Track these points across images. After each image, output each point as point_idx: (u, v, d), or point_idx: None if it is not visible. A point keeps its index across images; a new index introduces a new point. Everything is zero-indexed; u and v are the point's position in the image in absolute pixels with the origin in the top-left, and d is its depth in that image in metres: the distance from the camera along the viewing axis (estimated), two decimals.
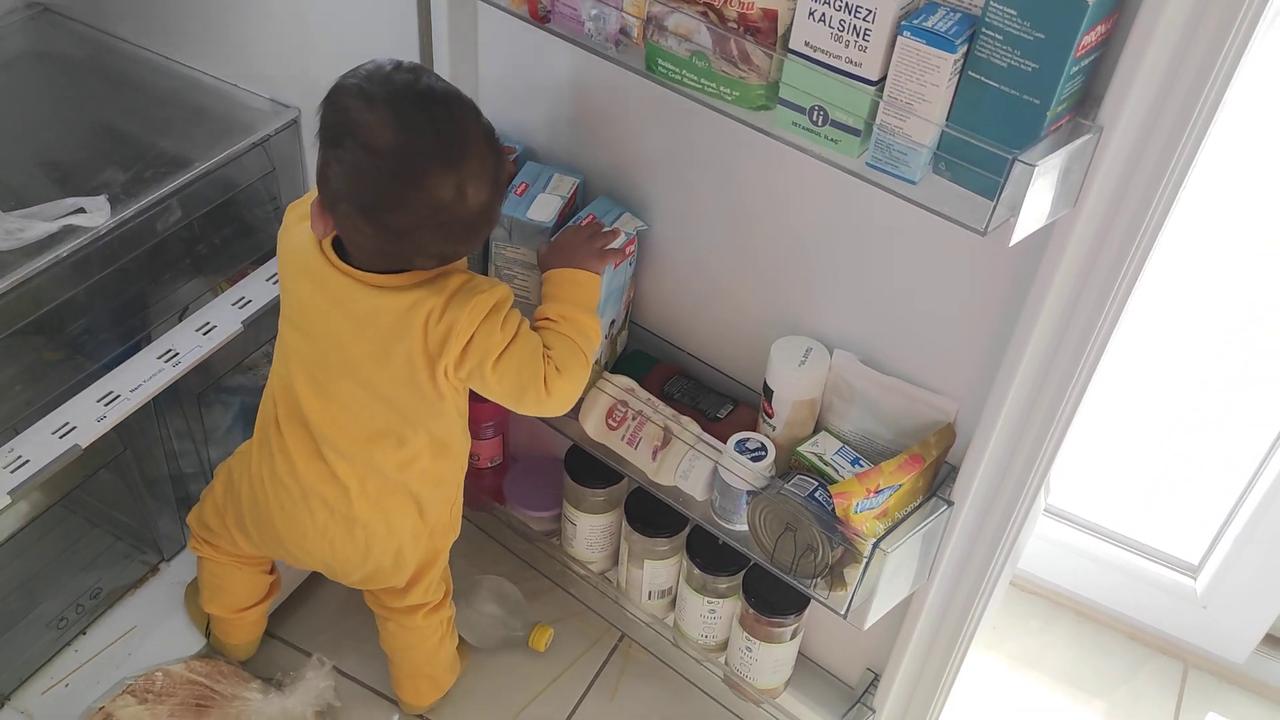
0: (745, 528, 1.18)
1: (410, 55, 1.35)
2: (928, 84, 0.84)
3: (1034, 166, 0.80)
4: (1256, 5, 0.77)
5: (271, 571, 1.44)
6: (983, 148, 0.83)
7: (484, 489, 1.57)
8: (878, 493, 1.08)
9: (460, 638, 1.52)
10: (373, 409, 1.15)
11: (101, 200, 1.25)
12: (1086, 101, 0.86)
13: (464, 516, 1.34)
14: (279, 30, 1.30)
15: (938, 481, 1.15)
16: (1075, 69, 0.81)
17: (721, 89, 0.95)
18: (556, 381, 1.10)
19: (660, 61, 0.98)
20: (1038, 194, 0.83)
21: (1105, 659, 1.67)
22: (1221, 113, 0.84)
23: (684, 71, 0.97)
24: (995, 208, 0.83)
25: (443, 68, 1.29)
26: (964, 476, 1.10)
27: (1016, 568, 1.69)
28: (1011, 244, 0.85)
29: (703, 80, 0.96)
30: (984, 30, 0.81)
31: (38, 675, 1.39)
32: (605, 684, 1.54)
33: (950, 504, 1.12)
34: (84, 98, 1.46)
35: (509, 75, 1.29)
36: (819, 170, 0.94)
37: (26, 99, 1.47)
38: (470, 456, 1.53)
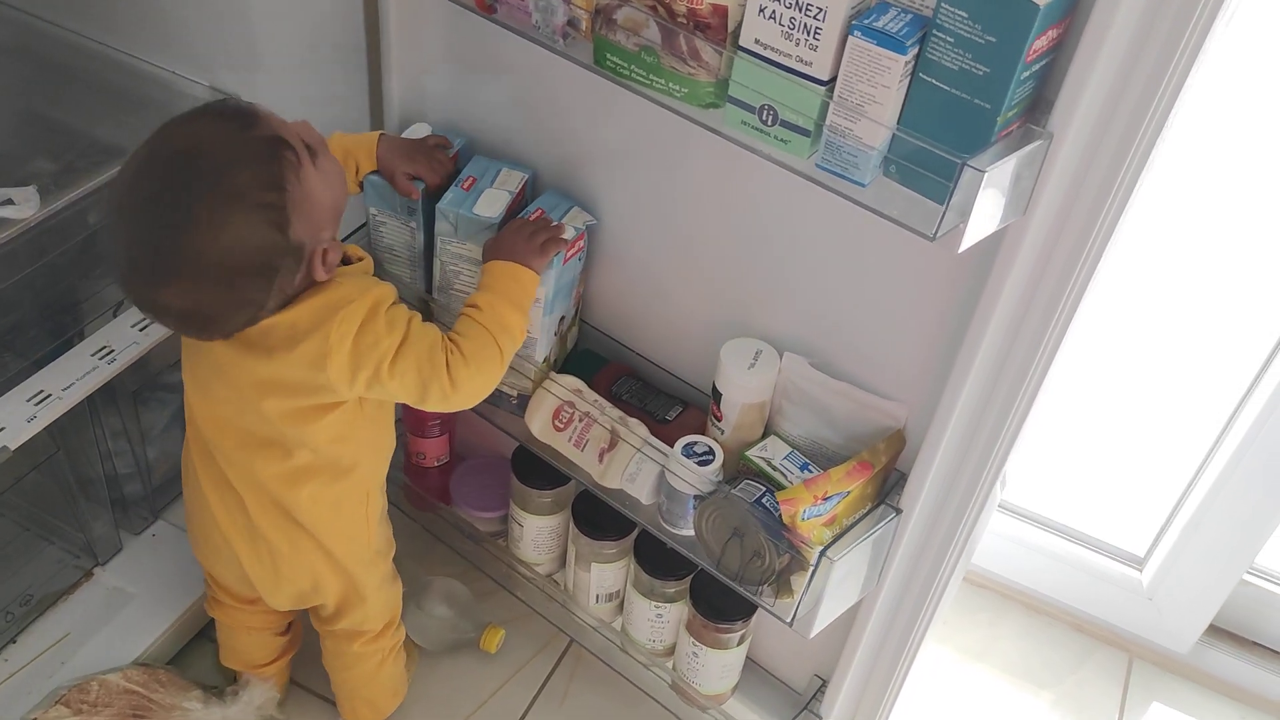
0: (692, 533, 1.16)
1: (356, 45, 1.33)
2: (878, 85, 0.82)
3: (983, 173, 0.79)
4: (1210, 10, 0.76)
5: (285, 633, 1.39)
6: (932, 152, 0.81)
7: (430, 489, 1.54)
8: (825, 499, 1.07)
9: (411, 641, 1.49)
10: (249, 416, 1.09)
11: (31, 191, 1.20)
12: (1038, 107, 0.84)
13: (410, 517, 1.31)
14: (218, 16, 1.26)
15: (887, 488, 1.14)
16: (1026, 74, 0.79)
17: (670, 85, 0.93)
18: (462, 372, 1.05)
19: (609, 56, 0.96)
20: (987, 200, 0.81)
21: (1053, 651, 1.70)
22: (1175, 118, 0.83)
23: (632, 67, 0.94)
24: (944, 213, 0.82)
25: (390, 58, 1.26)
26: (912, 484, 1.09)
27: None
28: (960, 251, 0.84)
29: (651, 76, 0.94)
30: (935, 32, 0.80)
31: None
32: (555, 688, 1.52)
33: (899, 511, 1.11)
34: (12, 84, 1.39)
35: (459, 66, 1.26)
36: (770, 170, 0.92)
37: None
38: (416, 455, 1.52)
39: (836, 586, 1.10)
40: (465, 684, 1.51)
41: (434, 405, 1.06)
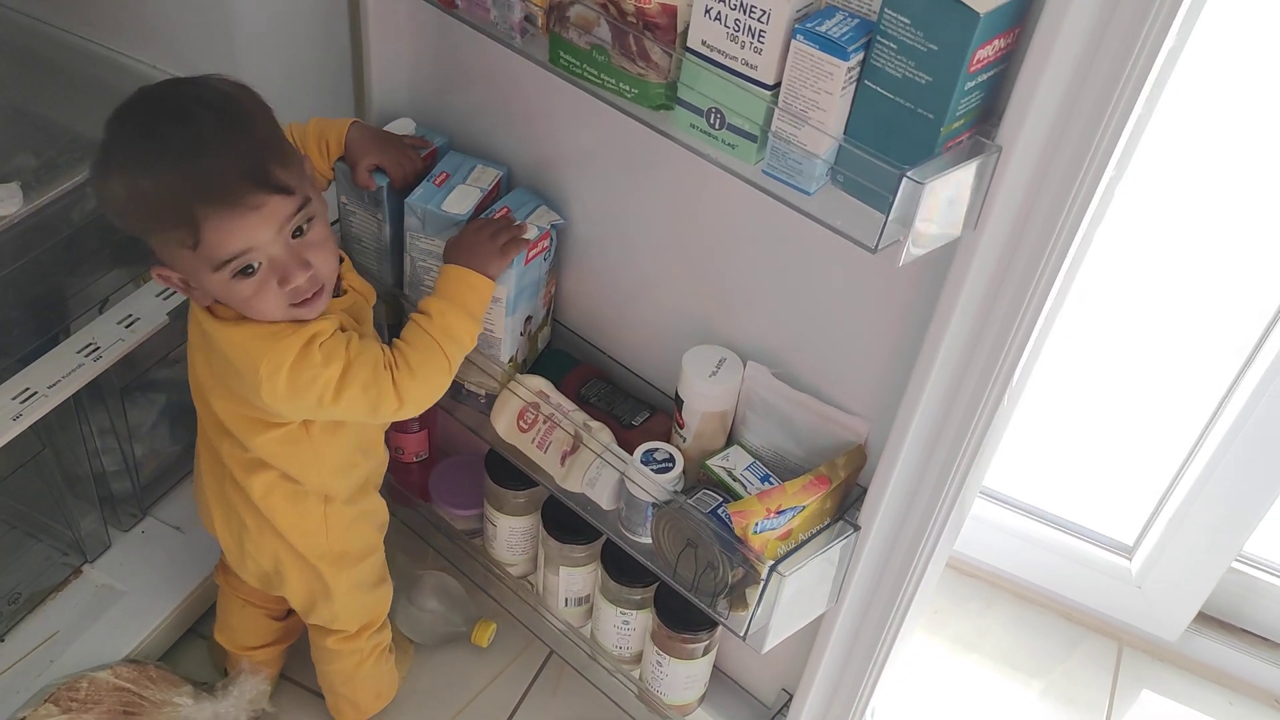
0: (650, 541, 1.15)
1: (339, 39, 1.32)
2: (821, 91, 0.80)
3: (923, 184, 0.76)
4: (1162, 22, 0.73)
5: (283, 619, 1.39)
6: (874, 162, 0.79)
7: (409, 484, 1.54)
8: (779, 513, 1.04)
9: (404, 638, 1.49)
10: (213, 400, 1.10)
11: (14, 187, 1.19)
12: (989, 119, 0.81)
13: (392, 513, 1.30)
14: (200, 11, 1.26)
15: (848, 504, 1.11)
16: (971, 84, 0.76)
17: (621, 85, 0.91)
18: (409, 385, 1.04)
19: (562, 54, 0.94)
20: (929, 213, 0.79)
21: (1042, 640, 1.69)
22: (1130, 129, 0.80)
23: (585, 66, 0.93)
24: (885, 225, 0.79)
25: (371, 51, 1.25)
26: (870, 501, 1.06)
27: (957, 551, 1.71)
28: (900, 264, 0.81)
29: (603, 75, 0.92)
30: (879, 38, 0.77)
31: None
32: (547, 681, 1.51)
33: (857, 528, 1.08)
34: None
35: (438, 62, 1.25)
36: (731, 177, 0.89)
37: None
38: (395, 450, 1.51)
39: (791, 602, 1.07)
40: (457, 678, 1.51)
41: (385, 419, 1.07)
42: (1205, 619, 1.67)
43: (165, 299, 1.31)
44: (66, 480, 1.39)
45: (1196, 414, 1.53)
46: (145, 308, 1.30)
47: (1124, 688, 1.64)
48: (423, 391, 1.07)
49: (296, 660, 1.44)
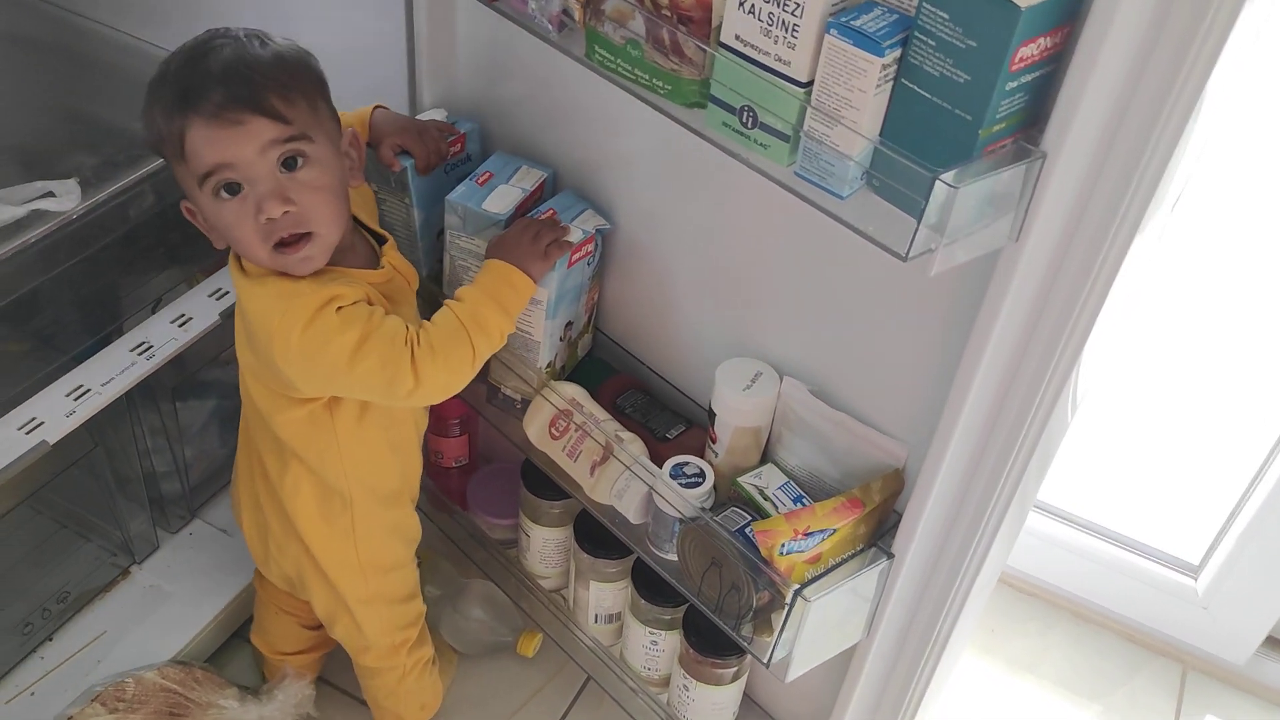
0: (676, 557, 1.11)
1: (395, 37, 1.32)
2: (855, 89, 0.76)
3: (956, 189, 0.72)
4: (1224, 19, 0.68)
5: (316, 628, 1.36)
6: (906, 164, 0.74)
7: (448, 490, 1.52)
8: (808, 535, 1.00)
9: (447, 645, 1.47)
10: (247, 375, 1.10)
11: (71, 184, 1.20)
12: (1035, 124, 0.77)
13: (433, 521, 1.28)
14: (257, 8, 1.26)
15: (882, 530, 1.06)
16: (1013, 84, 0.72)
17: (655, 81, 0.89)
18: (427, 366, 1.00)
19: (597, 48, 0.92)
20: (964, 220, 0.74)
21: (1103, 661, 1.63)
22: (1188, 136, 0.74)
23: (619, 60, 0.90)
24: (917, 231, 0.75)
25: (422, 50, 1.25)
26: (905, 529, 1.01)
27: (1014, 568, 1.67)
28: (932, 274, 0.76)
29: (637, 71, 0.89)
30: (917, 34, 0.73)
31: (1, 684, 1.33)
32: (593, 692, 1.47)
33: (890, 556, 1.03)
34: (53, 81, 1.41)
35: (488, 60, 1.24)
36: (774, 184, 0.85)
37: None
38: (434, 454, 1.49)
39: (818, 629, 1.03)
40: (501, 689, 1.48)
41: (401, 400, 1.03)
42: (1275, 642, 1.60)
43: (218, 299, 1.31)
44: (117, 480, 1.39)
45: (1267, 427, 1.46)
46: (198, 307, 1.30)
47: (1188, 713, 1.57)
48: (441, 376, 1.02)
49: (341, 667, 1.42)
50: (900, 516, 1.04)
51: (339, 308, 0.99)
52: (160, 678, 1.34)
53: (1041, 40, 0.71)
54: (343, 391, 1.06)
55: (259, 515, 1.20)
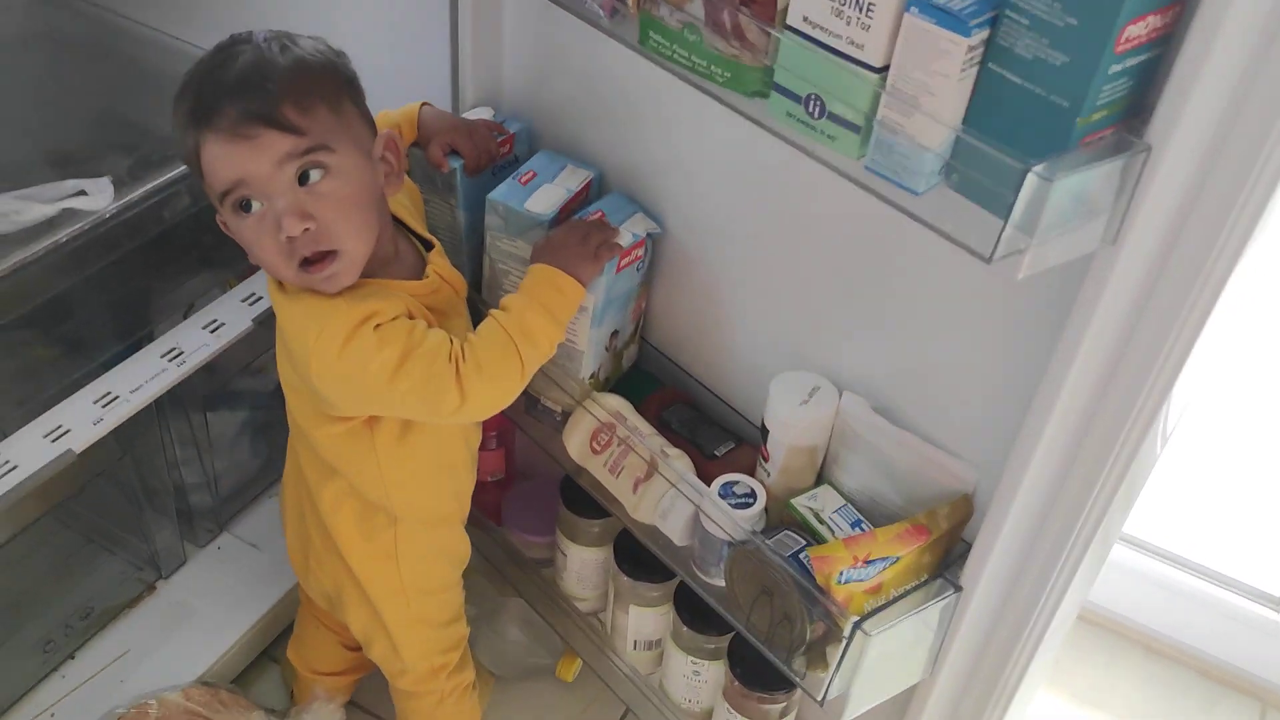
0: (724, 583, 1.04)
1: (439, 34, 1.26)
2: (935, 74, 0.69)
3: (1050, 181, 0.64)
4: None
5: (356, 649, 1.29)
6: (992, 155, 0.67)
7: (483, 505, 1.46)
8: (868, 563, 0.92)
9: (482, 667, 1.41)
10: (287, 389, 1.05)
11: (105, 182, 1.17)
12: (1138, 115, 0.69)
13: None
14: (296, 7, 1.22)
15: (950, 560, 0.98)
16: (1117, 67, 0.65)
17: (714, 69, 0.82)
18: (474, 381, 0.94)
19: (652, 34, 0.85)
20: (1056, 218, 0.67)
21: (1177, 696, 1.56)
22: None
23: (675, 46, 0.84)
24: (1004, 229, 0.67)
25: (466, 47, 1.19)
26: (975, 560, 0.93)
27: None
28: (1020, 277, 0.69)
29: (694, 57, 0.83)
30: (1008, 13, 0.66)
31: (21, 704, 1.29)
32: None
33: (959, 589, 0.95)
34: (89, 81, 1.38)
35: (534, 57, 1.18)
36: (845, 182, 0.78)
37: (29, 83, 1.40)
38: None
39: (877, 666, 0.95)
40: (541, 713, 1.41)
41: (446, 418, 0.98)
42: None
43: (251, 304, 1.27)
44: (145, 492, 1.34)
45: None
46: (231, 313, 1.25)
47: None
48: (488, 392, 0.96)
49: (370, 688, 1.36)
50: (969, 546, 0.96)
51: (376, 325, 0.93)
52: (185, 699, 1.28)
53: (1150, 19, 0.64)
54: (385, 411, 1.00)
55: (302, 527, 1.15)
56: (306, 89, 0.91)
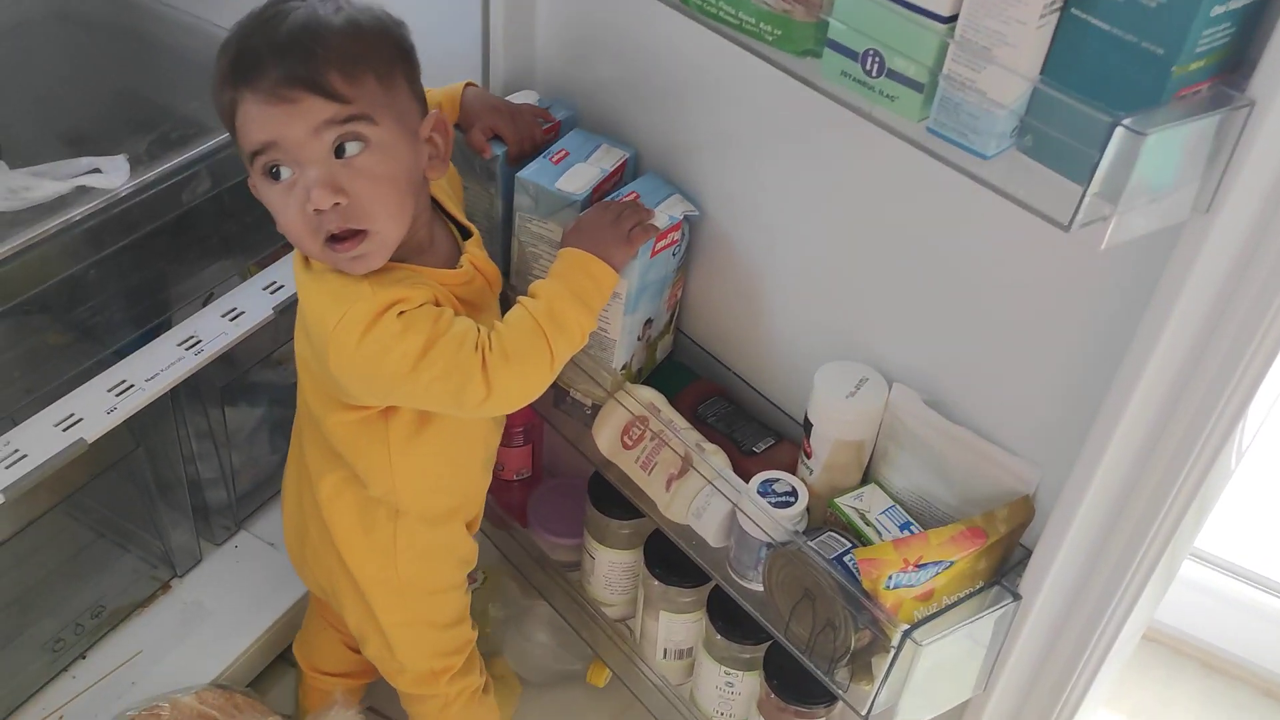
0: (762, 588, 0.97)
1: (470, 10, 1.21)
2: (1012, 21, 0.62)
3: (1143, 135, 0.58)
4: None
5: (358, 651, 1.24)
6: (1075, 108, 0.61)
7: (508, 505, 1.40)
8: (919, 567, 0.86)
9: (512, 671, 1.36)
10: (301, 369, 1.01)
11: (120, 160, 1.12)
12: (1238, 68, 0.62)
13: (485, 535, 1.16)
14: None
15: (1007, 567, 0.91)
16: (1220, 9, 0.58)
17: (762, 27, 0.76)
18: (500, 372, 0.88)
19: None
20: (1145, 180, 0.60)
21: (1237, 716, 1.50)
22: None
23: (720, 3, 0.78)
24: (1086, 193, 0.61)
25: (498, 23, 1.14)
26: (1035, 566, 0.86)
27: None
28: (1103, 247, 0.62)
29: (740, 14, 0.77)
30: None
31: (29, 705, 1.25)
32: None
33: (1017, 597, 0.88)
34: (108, 61, 1.35)
35: (568, 30, 1.13)
36: (908, 155, 0.72)
37: (46, 63, 1.37)
38: (495, 466, 1.37)
39: (927, 679, 0.88)
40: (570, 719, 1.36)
41: (471, 411, 0.91)
42: None
43: (272, 293, 1.22)
44: (159, 486, 1.30)
45: None
46: (251, 301, 1.21)
47: None
48: (516, 383, 0.91)
49: (388, 691, 1.27)
50: (1029, 553, 0.89)
51: (401, 312, 0.88)
52: (198, 702, 1.23)
53: None
54: (407, 402, 0.95)
55: (300, 513, 1.10)
56: (356, 56, 0.85)
